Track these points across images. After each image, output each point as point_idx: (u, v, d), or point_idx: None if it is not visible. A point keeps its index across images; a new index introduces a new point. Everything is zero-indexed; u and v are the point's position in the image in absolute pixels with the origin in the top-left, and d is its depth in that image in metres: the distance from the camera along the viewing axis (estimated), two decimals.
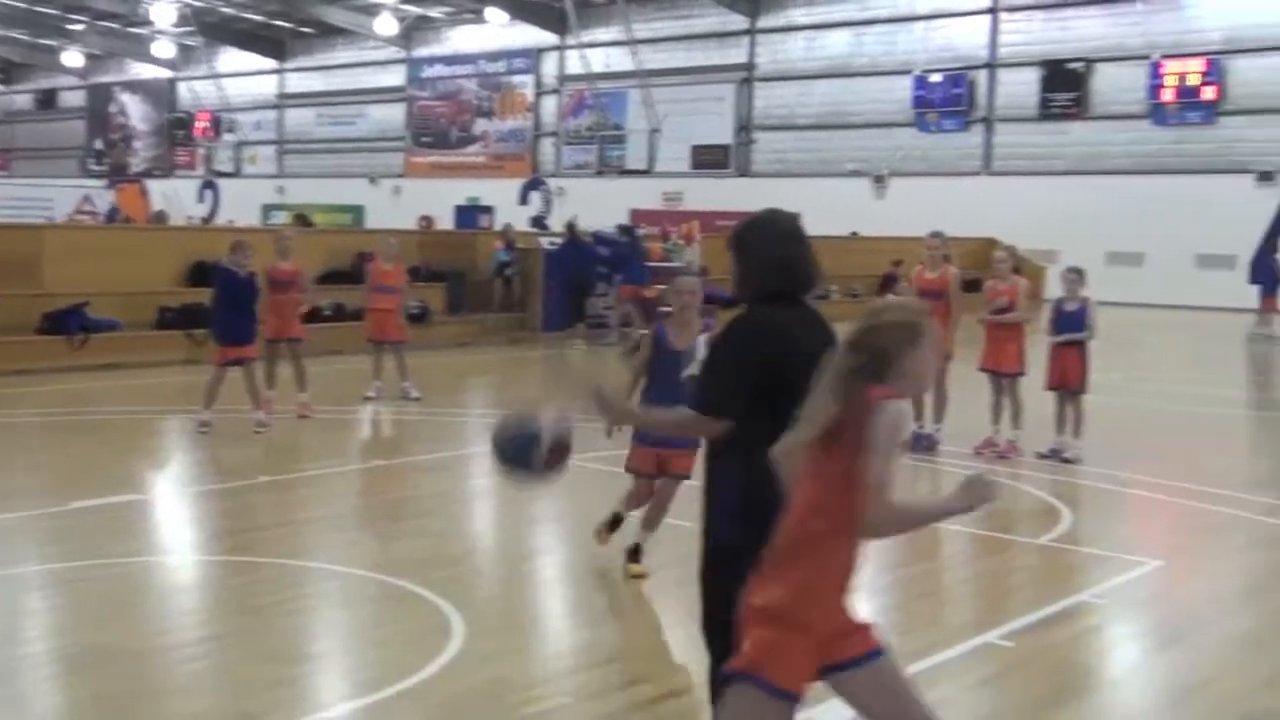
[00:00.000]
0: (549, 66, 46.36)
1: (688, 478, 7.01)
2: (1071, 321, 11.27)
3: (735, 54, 41.38)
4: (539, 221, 41.88)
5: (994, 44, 36.54)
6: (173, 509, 9.39)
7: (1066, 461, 11.01)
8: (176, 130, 57.87)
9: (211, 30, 50.78)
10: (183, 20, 47.44)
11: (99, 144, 60.90)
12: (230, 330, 11.77)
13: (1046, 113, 35.52)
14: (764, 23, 40.75)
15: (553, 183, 45.55)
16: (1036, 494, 9.97)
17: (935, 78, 37.17)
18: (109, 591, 6.88)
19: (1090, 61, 34.85)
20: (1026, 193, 35.00)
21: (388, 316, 14.20)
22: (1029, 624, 6.57)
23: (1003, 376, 11.49)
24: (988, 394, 11.56)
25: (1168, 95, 33.44)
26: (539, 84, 46.58)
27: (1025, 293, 11.49)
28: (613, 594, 7.04)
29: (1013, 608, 6.92)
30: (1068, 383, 11.25)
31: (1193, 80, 33.08)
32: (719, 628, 4.07)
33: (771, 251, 4.33)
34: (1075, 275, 11.47)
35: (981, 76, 36.76)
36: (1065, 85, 35.16)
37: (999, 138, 36.65)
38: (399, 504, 9.66)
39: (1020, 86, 36.12)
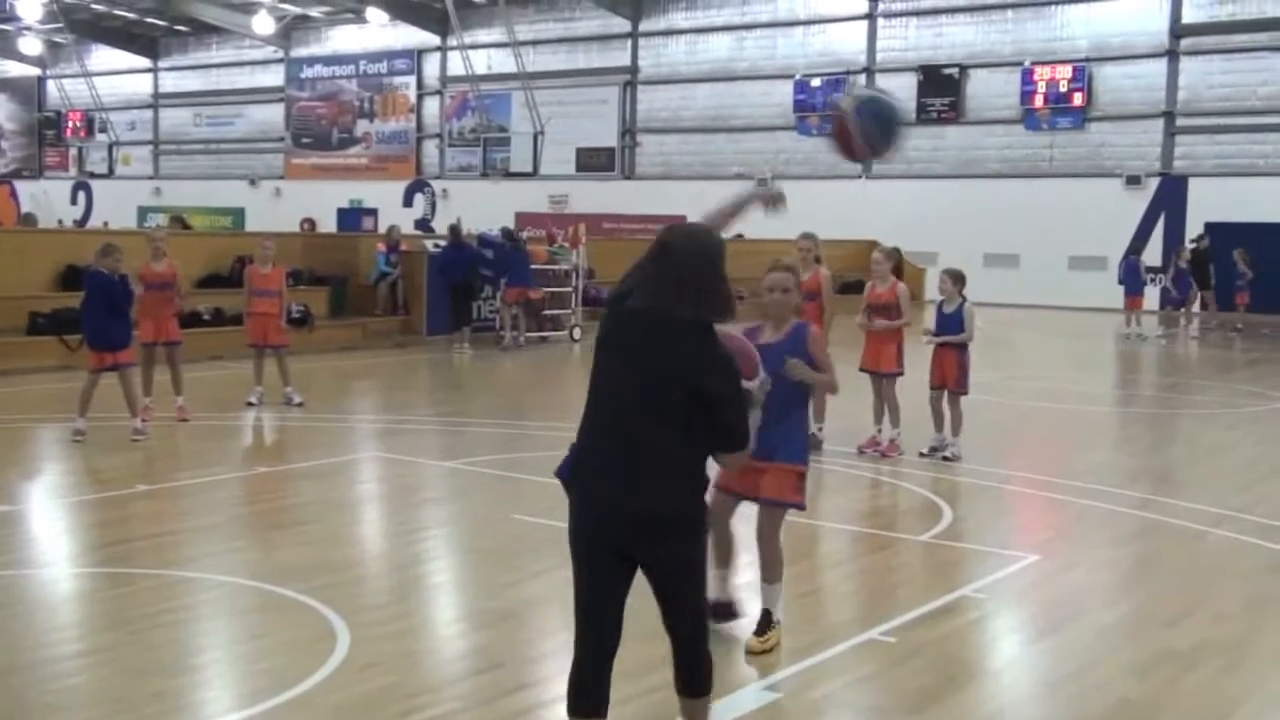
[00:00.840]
0: (431, 68, 46.01)
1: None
2: (949, 323, 11.50)
3: (618, 57, 41.51)
4: (423, 224, 41.58)
5: (872, 49, 37.17)
6: (45, 520, 9.11)
7: (947, 460, 11.24)
8: (46, 130, 56.19)
9: (81, 27, 49.41)
10: (50, 16, 46.11)
11: None
12: (105, 335, 11.47)
13: (924, 117, 36.23)
14: (646, 26, 40.93)
15: (437, 185, 45.22)
16: (918, 491, 10.17)
17: (815, 82, 37.68)
18: None
19: (965, 67, 35.65)
20: (905, 196, 35.73)
21: (268, 321, 13.96)
22: (911, 619, 6.69)
23: (882, 376, 11.67)
24: (868, 394, 11.75)
25: (1039, 101, 34.36)
26: (421, 85, 46.21)
27: (904, 294, 11.67)
28: (501, 598, 7.01)
29: (895, 604, 7.04)
30: (946, 383, 11.49)
31: (1062, 86, 34.03)
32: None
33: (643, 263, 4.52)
34: (946, 277, 11.71)
35: (860, 81, 37.32)
36: (941, 90, 35.91)
37: None
38: (281, 511, 9.50)
39: (898, 91, 36.53)
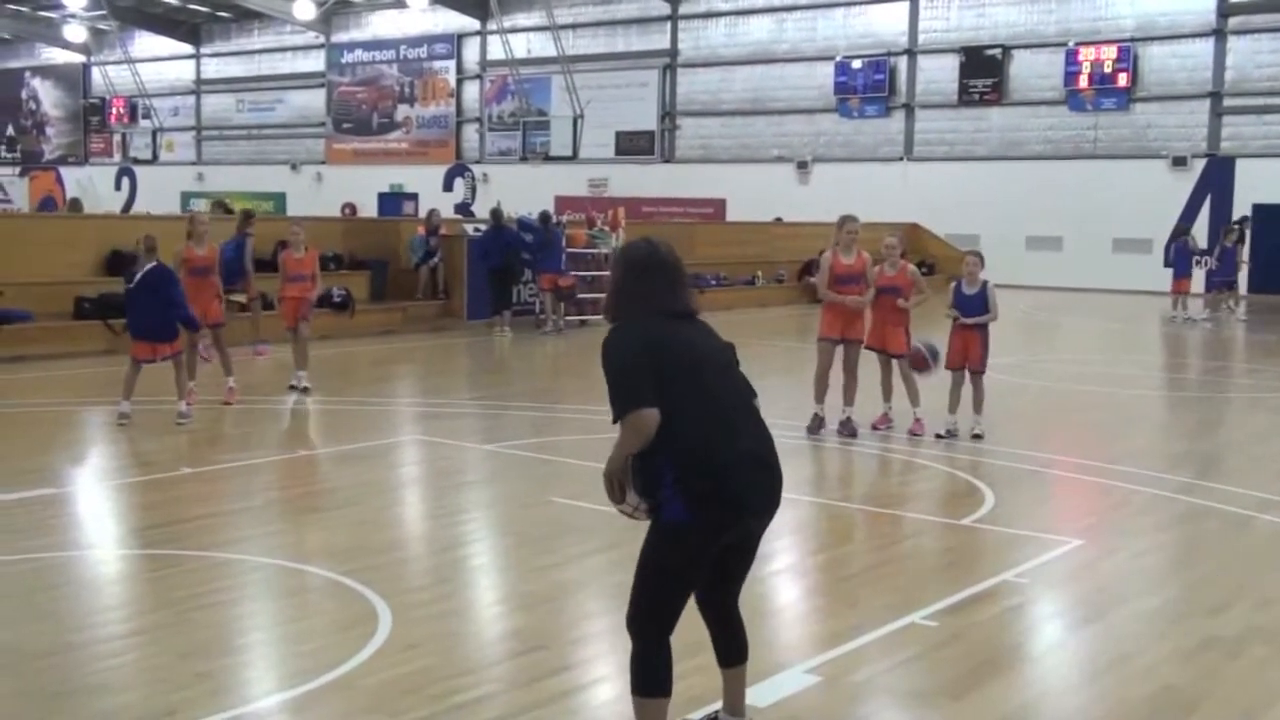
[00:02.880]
0: (471, 52, 46.06)
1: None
2: (972, 304, 11.49)
3: (658, 40, 41.40)
4: (464, 208, 41.68)
5: (914, 30, 36.88)
6: (91, 502, 9.22)
7: (977, 437, 11.23)
8: (91, 116, 56.72)
9: (125, 14, 49.81)
10: (94, 4, 46.50)
11: (10, 131, 59.50)
12: (160, 329, 11.48)
13: (966, 99, 35.94)
14: (686, 9, 40.79)
15: (477, 169, 45.31)
16: (959, 475, 10.11)
17: (856, 64, 37.44)
18: (27, 588, 6.75)
19: (1007, 48, 35.32)
20: (947, 178, 35.47)
21: (302, 304, 13.94)
22: (952, 604, 6.66)
23: (891, 357, 11.71)
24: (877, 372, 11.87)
25: (1083, 82, 33.99)
26: (461, 70, 46.27)
27: (915, 278, 11.70)
28: (540, 581, 7.03)
29: (936, 588, 7.00)
30: (969, 363, 11.47)
31: (1107, 67, 33.64)
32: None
33: (619, 282, 4.65)
34: (976, 259, 11.76)
35: (902, 63, 37.09)
36: (983, 72, 35.60)
37: (920, 124, 37.01)
38: (323, 494, 9.57)
39: (940, 73, 36.51)
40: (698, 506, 4.29)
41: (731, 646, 4.69)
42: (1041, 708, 5.45)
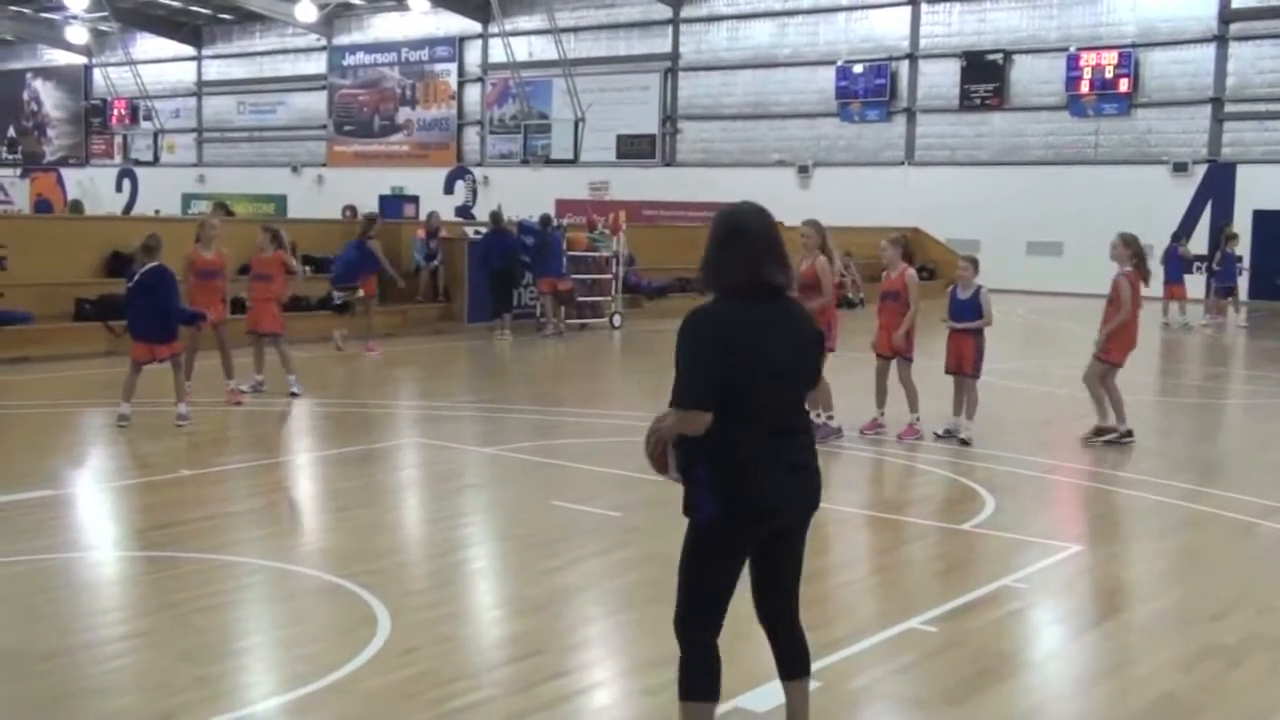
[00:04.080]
0: (472, 55, 46.08)
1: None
2: (965, 309, 11.52)
3: (659, 44, 41.41)
4: (465, 211, 41.68)
5: (915, 35, 36.88)
6: (90, 504, 9.21)
7: (963, 443, 11.26)
8: (92, 118, 56.74)
9: (126, 16, 49.83)
10: (96, 5, 46.51)
11: (12, 132, 59.50)
12: (160, 330, 11.47)
13: (967, 103, 35.94)
14: (687, 12, 40.80)
15: (478, 172, 45.31)
16: (959, 480, 10.10)
17: (858, 68, 37.44)
18: (23, 590, 6.74)
19: (1009, 53, 35.32)
20: (948, 183, 35.47)
21: (259, 306, 13.74)
22: (952, 609, 6.65)
23: (894, 360, 11.75)
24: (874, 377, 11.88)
25: (1084, 87, 33.98)
26: (462, 72, 46.29)
27: (913, 281, 11.68)
28: (539, 587, 7.01)
29: (936, 594, 6.99)
30: (962, 368, 11.50)
31: (1108, 72, 33.65)
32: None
33: (708, 249, 4.44)
34: (968, 264, 11.81)
35: (903, 68, 37.10)
36: (985, 76, 35.60)
37: (921, 128, 37.02)
38: (323, 497, 9.56)
39: (941, 77, 36.51)
40: (728, 507, 4.28)
41: (787, 658, 4.56)
42: (1041, 715, 5.44)
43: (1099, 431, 11.71)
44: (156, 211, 41.66)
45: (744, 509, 4.29)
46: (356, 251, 18.10)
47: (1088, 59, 33.85)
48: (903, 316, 11.61)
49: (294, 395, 13.34)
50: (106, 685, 5.44)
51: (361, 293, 18.19)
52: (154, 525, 8.27)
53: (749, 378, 4.25)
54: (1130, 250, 11.90)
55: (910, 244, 12.53)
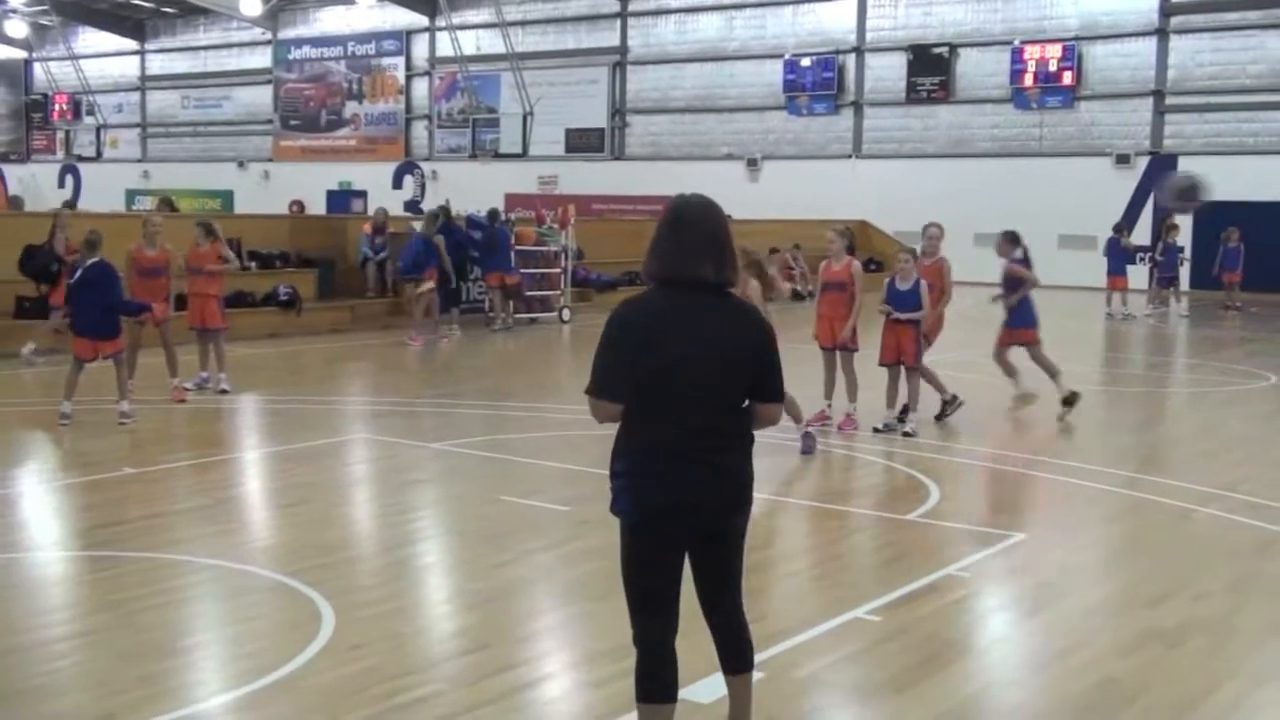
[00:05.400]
0: (420, 49, 45.83)
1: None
2: (905, 300, 11.59)
3: (607, 37, 41.37)
4: (413, 206, 41.46)
5: (862, 28, 37.07)
6: (33, 503, 9.10)
7: (907, 435, 11.34)
8: (33, 113, 55.92)
9: (67, 9, 49.14)
10: None
11: None
12: (103, 326, 11.36)
13: (914, 96, 36.17)
14: (635, 6, 40.78)
15: (426, 166, 45.09)
16: (904, 470, 10.19)
17: (805, 62, 37.58)
18: None
19: (954, 46, 35.58)
20: (896, 175, 35.70)
21: (202, 302, 13.51)
22: (896, 599, 6.71)
23: (837, 352, 11.79)
24: (821, 369, 11.90)
25: (1028, 80, 34.30)
26: (410, 66, 46.02)
27: (858, 272, 11.75)
28: (488, 579, 7.01)
29: (880, 583, 7.06)
30: (903, 358, 11.57)
31: (1052, 65, 33.98)
32: None
33: (654, 237, 4.38)
34: (909, 256, 11.91)
35: (850, 61, 37.27)
36: (931, 69, 35.84)
37: (868, 121, 37.21)
38: (269, 494, 9.51)
39: (888, 71, 36.72)
40: (639, 503, 4.27)
41: (729, 653, 4.52)
42: (984, 701, 5.51)
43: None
44: (68, 205, 40.89)
45: (649, 506, 4.26)
46: (423, 245, 19.34)
47: (1032, 52, 34.16)
48: (847, 308, 11.65)
49: (224, 392, 13.24)
50: (50, 685, 5.39)
51: (429, 285, 19.17)
52: (97, 524, 8.19)
53: (665, 372, 4.19)
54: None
55: (853, 236, 12.59)
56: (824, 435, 11.47)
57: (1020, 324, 13.02)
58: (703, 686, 5.12)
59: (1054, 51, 33.90)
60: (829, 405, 11.82)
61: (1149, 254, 28.85)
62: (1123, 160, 33.12)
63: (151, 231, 13.00)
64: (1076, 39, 33.76)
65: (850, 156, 37.18)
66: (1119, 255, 25.58)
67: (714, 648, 4.56)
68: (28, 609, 6.46)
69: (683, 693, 4.49)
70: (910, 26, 36.30)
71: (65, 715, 5.08)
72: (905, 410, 11.69)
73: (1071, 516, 8.94)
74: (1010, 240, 13.23)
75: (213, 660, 5.87)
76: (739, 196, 36.67)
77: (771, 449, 10.29)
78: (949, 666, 5.85)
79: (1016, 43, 34.39)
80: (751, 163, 38.55)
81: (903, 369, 11.73)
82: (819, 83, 37.44)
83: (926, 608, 6.64)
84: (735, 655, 4.54)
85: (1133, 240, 28.08)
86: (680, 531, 4.34)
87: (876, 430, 11.55)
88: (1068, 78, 33.78)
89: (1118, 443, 12.12)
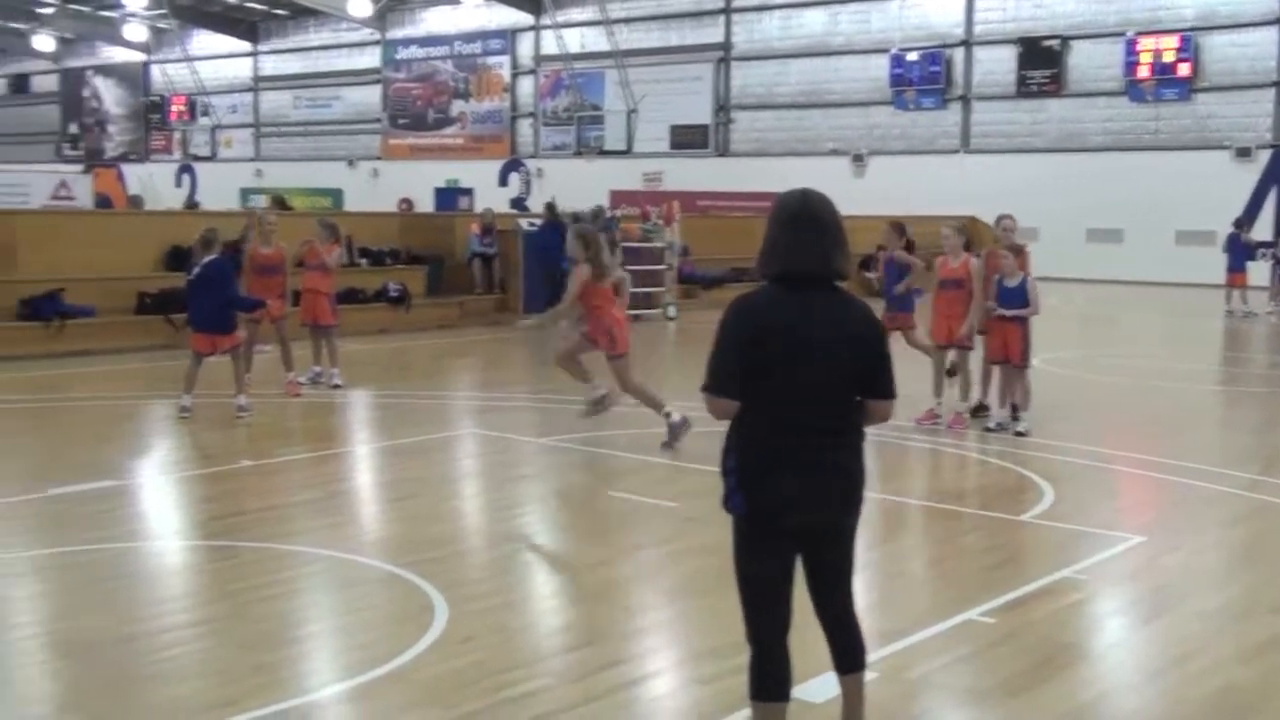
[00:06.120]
0: (525, 47, 46.19)
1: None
2: (1012, 297, 11.35)
3: (711, 33, 41.29)
4: (519, 203, 41.82)
5: (970, 21, 36.53)
6: (153, 495, 9.35)
7: (1019, 435, 11.12)
8: (151, 114, 57.45)
9: (184, 12, 50.40)
10: (155, 3, 47.07)
11: (73, 129, 60.41)
12: (220, 320, 11.64)
13: (1024, 90, 35.56)
14: (739, 2, 40.64)
15: (531, 164, 45.42)
16: (1016, 470, 10.01)
17: (912, 56, 37.15)
18: (88, 578, 6.85)
19: (1066, 39, 34.89)
20: (1005, 170, 35.10)
21: (315, 299, 13.74)
22: (1010, 600, 6.59)
23: (954, 350, 11.65)
24: (931, 366, 11.76)
25: (1143, 72, 33.53)
26: (515, 65, 46.41)
27: (976, 270, 11.55)
28: (595, 576, 7.04)
29: (994, 585, 6.93)
30: (1009, 357, 11.36)
31: (1168, 57, 33.16)
32: None
33: (770, 233, 4.33)
34: (1014, 252, 11.62)
35: (958, 54, 36.76)
36: (1042, 62, 35.20)
37: (976, 115, 36.68)
38: (381, 487, 9.65)
39: (997, 64, 36.14)
40: (753, 500, 4.24)
41: (841, 653, 4.49)
42: (1100, 707, 5.39)
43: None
44: (197, 204, 41.84)
45: (762, 503, 4.24)
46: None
47: (1146, 43, 33.38)
48: (964, 305, 11.48)
49: (336, 387, 13.46)
50: (168, 672, 5.52)
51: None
52: (215, 515, 8.38)
53: (780, 369, 4.16)
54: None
55: (969, 232, 12.41)
56: (933, 434, 11.33)
57: (901, 309, 12.71)
58: (815, 685, 5.07)
59: (1170, 42, 33.08)
60: (939, 403, 11.67)
61: (1271, 249, 28.03)
62: (1243, 154, 32.21)
63: (267, 230, 13.31)
64: (1193, 29, 32.89)
65: (958, 151, 36.68)
66: (1240, 251, 24.89)
67: (826, 646, 4.52)
68: (148, 597, 6.63)
69: (795, 691, 4.45)
70: (1020, 19, 35.69)
71: (186, 700, 5.20)
72: (1015, 409, 11.48)
73: (1190, 519, 8.71)
74: (897, 231, 12.82)
75: (326, 650, 5.97)
76: (844, 192, 36.08)
77: (882, 447, 10.21)
78: (1064, 671, 5.73)
79: (1130, 34, 33.62)
80: (857, 158, 38.21)
81: (1011, 368, 11.50)
82: (926, 77, 37.00)
83: (1041, 611, 6.51)
84: (847, 654, 4.50)
85: (1253, 236, 27.29)
86: (792, 529, 4.30)
87: (988, 430, 11.37)
88: (1184, 69, 32.95)
89: (1238, 444, 11.78)
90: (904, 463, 10.33)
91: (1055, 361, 15.54)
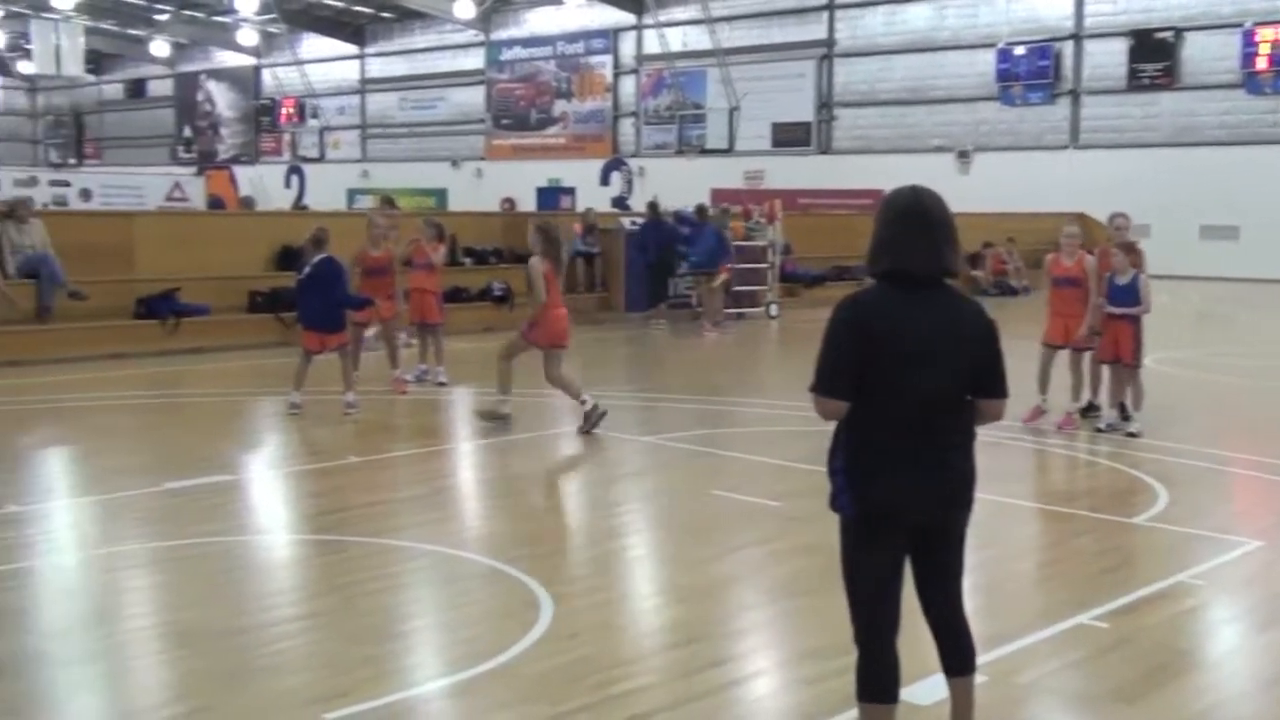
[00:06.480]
0: (627, 46, 46.33)
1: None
2: (1123, 294, 11.08)
3: (814, 30, 41.04)
4: (621, 202, 41.96)
5: (1080, 14, 35.84)
6: (263, 489, 9.53)
7: (1131, 435, 10.86)
8: (262, 117, 58.70)
9: (293, 17, 51.42)
10: (265, 8, 48.08)
11: (187, 132, 61.94)
12: (330, 319, 11.85)
13: (1135, 84, 34.80)
14: None
15: (633, 163, 45.54)
16: (1129, 472, 9.78)
17: (1019, 50, 36.57)
18: (202, 570, 7.00)
19: (1180, 30, 34.07)
20: (1115, 166, 34.39)
21: (422, 298, 13.97)
22: (1124, 605, 6.44)
23: (1070, 350, 11.43)
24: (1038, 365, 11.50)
25: (1261, 64, 32.62)
26: (617, 64, 46.58)
27: (1092, 270, 11.30)
28: (699, 573, 7.02)
29: (1107, 588, 6.78)
30: (1120, 356, 11.08)
31: None
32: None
33: (879, 231, 4.27)
34: (1126, 249, 11.33)
35: (1067, 48, 36.10)
36: (1154, 55, 34.42)
37: (1086, 110, 35.98)
38: (485, 483, 9.73)
39: (1107, 57, 35.41)
40: (861, 500, 4.19)
41: (949, 655, 4.43)
42: (1213, 716, 5.24)
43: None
44: (305, 205, 42.52)
45: (871, 503, 4.18)
46: (717, 239, 20.48)
47: (1265, 34, 32.46)
48: (1082, 304, 11.26)
49: (441, 384, 13.63)
50: (279, 664, 5.62)
51: (724, 277, 20.39)
52: (323, 510, 8.52)
53: (891, 369, 4.10)
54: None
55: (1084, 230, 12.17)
56: (1043, 435, 11.12)
57: None
58: (922, 688, 5.00)
59: None
60: (1044, 399, 11.43)
61: None
62: None
63: (376, 234, 13.52)
64: None
65: (1066, 147, 36.02)
66: None
67: (934, 648, 4.45)
68: (259, 590, 6.76)
69: (903, 693, 4.39)
70: (1132, 11, 34.93)
71: (300, 691, 5.28)
72: (1123, 409, 11.23)
73: None
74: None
75: (432, 645, 6.03)
76: (949, 189, 35.39)
77: (992, 447, 10.03)
78: (1178, 678, 5.59)
79: (1248, 24, 32.72)
80: (962, 155, 37.70)
81: (1122, 368, 11.25)
82: (1034, 71, 36.38)
83: (1155, 616, 6.35)
84: (956, 656, 4.43)
85: None
86: (902, 529, 4.25)
87: (1099, 430, 11.14)
88: None
89: None
90: (1013, 463, 10.16)
91: (1168, 361, 15.17)
